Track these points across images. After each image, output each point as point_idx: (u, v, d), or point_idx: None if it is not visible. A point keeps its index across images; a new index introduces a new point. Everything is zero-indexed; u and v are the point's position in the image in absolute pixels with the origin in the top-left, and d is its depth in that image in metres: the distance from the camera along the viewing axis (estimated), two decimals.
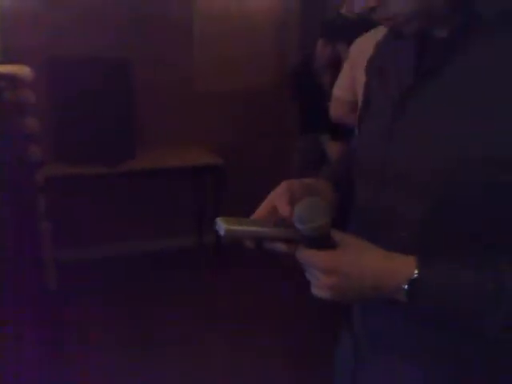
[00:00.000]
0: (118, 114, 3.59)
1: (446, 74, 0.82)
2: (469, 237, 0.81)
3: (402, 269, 0.80)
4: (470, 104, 0.78)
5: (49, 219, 2.73)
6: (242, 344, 2.98)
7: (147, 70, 3.91)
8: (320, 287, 0.82)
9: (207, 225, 4.15)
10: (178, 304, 3.39)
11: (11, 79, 2.30)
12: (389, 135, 0.88)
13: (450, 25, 0.81)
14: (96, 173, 3.53)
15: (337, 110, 2.71)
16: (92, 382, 2.63)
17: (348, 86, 2.55)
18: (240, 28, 4.24)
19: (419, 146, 0.83)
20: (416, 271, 0.79)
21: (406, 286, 0.79)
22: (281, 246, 0.85)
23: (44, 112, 3.09)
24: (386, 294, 0.81)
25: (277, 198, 0.90)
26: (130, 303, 3.41)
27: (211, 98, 4.21)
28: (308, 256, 0.82)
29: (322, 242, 0.82)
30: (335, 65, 3.33)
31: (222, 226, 0.83)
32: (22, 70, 2.34)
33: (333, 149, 3.30)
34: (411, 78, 0.86)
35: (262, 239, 0.87)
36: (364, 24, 2.36)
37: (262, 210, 0.92)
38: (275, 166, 4.29)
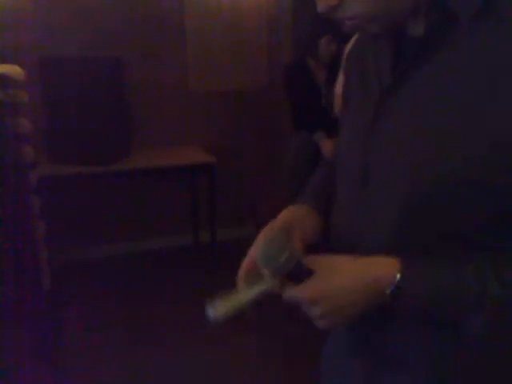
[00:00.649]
0: (112, 113, 3.58)
1: (423, 72, 0.81)
2: (452, 236, 0.80)
3: (383, 275, 0.80)
4: (448, 102, 0.77)
5: (43, 219, 2.72)
6: (240, 342, 2.98)
7: (141, 69, 3.91)
8: (315, 319, 0.82)
9: (202, 224, 4.15)
10: (176, 302, 3.39)
11: (3, 79, 2.28)
12: (369, 134, 0.87)
13: (425, 23, 0.80)
14: (90, 172, 3.52)
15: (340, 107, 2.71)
16: (91, 382, 2.62)
17: None
18: (232, 25, 4.22)
19: (399, 145, 0.82)
20: (398, 275, 0.79)
21: (389, 292, 0.79)
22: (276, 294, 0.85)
23: (37, 112, 3.08)
24: (376, 302, 0.81)
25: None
26: (127, 303, 3.41)
27: (205, 97, 4.20)
28: (290, 296, 0.83)
29: (295, 275, 0.81)
30: (332, 63, 3.33)
31: (213, 313, 0.85)
32: (15, 70, 2.32)
33: (327, 146, 3.30)
34: (389, 77, 0.86)
35: (252, 305, 0.87)
36: None
37: (244, 267, 0.92)
38: (270, 165, 4.28)
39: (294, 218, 0.97)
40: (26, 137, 2.47)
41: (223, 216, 4.12)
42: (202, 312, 0.86)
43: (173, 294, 3.52)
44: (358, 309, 0.82)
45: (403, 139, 0.82)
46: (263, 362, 2.85)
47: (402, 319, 0.85)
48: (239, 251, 0.95)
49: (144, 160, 3.80)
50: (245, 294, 0.86)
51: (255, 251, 0.89)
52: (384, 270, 0.80)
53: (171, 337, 3.05)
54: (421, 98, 0.80)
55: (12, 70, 2.33)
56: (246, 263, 0.91)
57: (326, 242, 0.99)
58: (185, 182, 4.27)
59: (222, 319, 0.84)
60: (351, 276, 0.81)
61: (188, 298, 3.43)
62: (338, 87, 2.67)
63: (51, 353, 2.59)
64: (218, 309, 0.84)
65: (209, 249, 3.96)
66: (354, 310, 0.82)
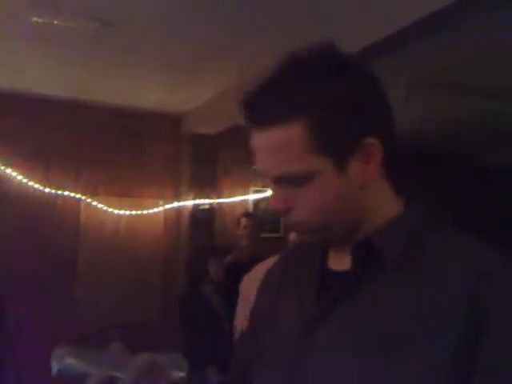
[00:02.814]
0: None
1: (348, 305, 0.82)
2: None
3: None
4: (370, 339, 0.78)
5: None
6: None
7: (25, 302, 3.81)
8: None
9: None
10: None
11: None
12: (292, 368, 0.85)
13: (352, 258, 0.84)
14: None
15: None
16: None
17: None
18: (126, 261, 4.28)
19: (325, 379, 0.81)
20: None
21: None
22: None
23: None
24: None
25: None
26: None
27: (93, 331, 4.01)
28: None
29: None
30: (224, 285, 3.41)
31: None
32: None
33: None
34: (315, 309, 0.85)
35: None
36: None
37: None
38: None
39: None
40: None
41: None
42: None
43: None
44: None
45: (329, 372, 0.80)
46: None
47: None
48: None
49: None
50: None
51: None
52: None
53: None
54: (344, 335, 0.81)
55: None
56: None
57: None
58: None
59: None
60: None
61: None
62: (239, 321, 2.60)
63: None
64: None
65: None
66: None
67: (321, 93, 0.79)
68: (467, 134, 5.38)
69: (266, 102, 0.80)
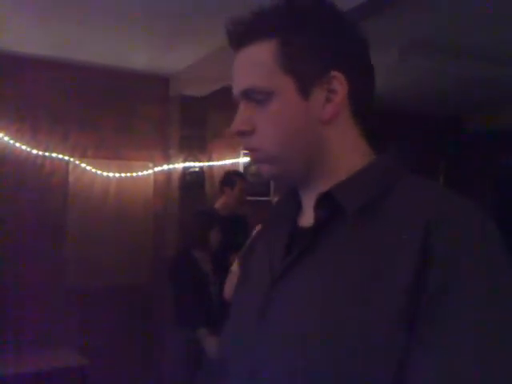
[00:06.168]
0: None
1: (312, 260, 0.82)
2: None
3: None
4: (328, 293, 0.78)
5: None
6: None
7: (13, 266, 3.83)
8: None
9: None
10: None
11: None
12: (257, 322, 0.86)
13: (314, 214, 0.83)
14: None
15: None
16: None
17: None
18: (117, 221, 4.34)
19: (288, 336, 0.81)
20: None
21: None
22: None
23: None
24: None
25: None
26: None
27: (81, 293, 4.11)
28: None
29: None
30: (218, 251, 3.50)
31: None
32: None
33: (212, 344, 3.05)
34: (281, 265, 0.86)
35: None
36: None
37: None
38: (147, 366, 4.08)
39: None
40: None
41: None
42: None
43: None
44: None
45: (292, 329, 0.81)
46: None
47: None
48: None
49: (10, 365, 3.56)
50: None
51: None
52: None
53: None
54: (308, 286, 0.81)
55: None
56: None
57: None
58: None
59: None
60: None
61: None
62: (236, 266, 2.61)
63: None
64: None
65: None
66: None
67: (296, 17, 0.85)
68: (458, 98, 5.37)
69: (245, 23, 0.87)
